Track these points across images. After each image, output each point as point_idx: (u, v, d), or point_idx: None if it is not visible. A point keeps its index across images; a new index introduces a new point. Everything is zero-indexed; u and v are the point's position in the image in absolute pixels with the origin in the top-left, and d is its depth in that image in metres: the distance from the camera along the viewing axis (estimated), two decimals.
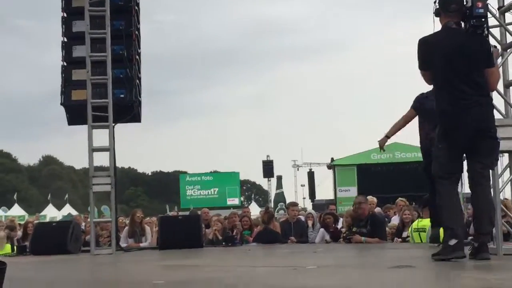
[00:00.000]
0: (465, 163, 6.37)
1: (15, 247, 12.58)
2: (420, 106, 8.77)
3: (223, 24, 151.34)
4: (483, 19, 6.31)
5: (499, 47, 7.03)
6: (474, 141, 6.17)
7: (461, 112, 6.16)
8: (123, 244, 11.67)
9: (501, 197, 7.15)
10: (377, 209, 13.85)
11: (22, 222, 18.26)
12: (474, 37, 6.33)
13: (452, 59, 6.23)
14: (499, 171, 6.89)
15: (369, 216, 10.82)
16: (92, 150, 10.48)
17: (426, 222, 9.57)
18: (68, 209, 47.66)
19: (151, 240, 12.38)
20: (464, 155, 6.32)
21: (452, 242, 6.02)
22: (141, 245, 12.15)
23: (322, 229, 12.08)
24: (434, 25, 6.54)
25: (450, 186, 6.22)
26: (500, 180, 6.87)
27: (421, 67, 6.49)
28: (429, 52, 6.40)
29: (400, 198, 13.62)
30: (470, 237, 7.26)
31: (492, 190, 6.63)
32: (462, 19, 6.38)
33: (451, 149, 6.22)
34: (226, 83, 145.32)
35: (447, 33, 6.40)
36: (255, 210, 30.86)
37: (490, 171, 6.43)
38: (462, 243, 6.07)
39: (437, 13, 6.51)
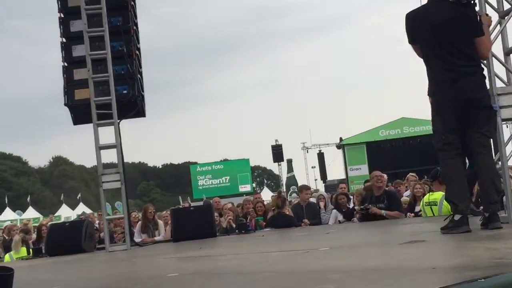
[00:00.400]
0: None
1: (30, 250, 12.65)
2: None
3: (224, 10, 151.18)
4: None
5: (494, 15, 7.00)
6: (468, 112, 6.16)
7: (451, 83, 6.16)
8: (137, 239, 11.72)
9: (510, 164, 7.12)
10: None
11: (37, 224, 18.35)
12: (461, 8, 6.30)
13: (439, 31, 6.24)
14: (505, 139, 6.87)
15: (384, 192, 10.84)
16: (99, 148, 10.52)
17: (437, 196, 9.56)
18: (82, 208, 47.94)
19: (164, 233, 12.43)
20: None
21: (457, 217, 6.04)
22: (156, 238, 12.20)
23: (334, 210, 12.10)
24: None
25: (451, 159, 6.21)
26: (507, 148, 6.85)
27: (411, 41, 6.53)
28: (417, 26, 6.44)
29: (410, 173, 13.62)
30: (481, 207, 7.25)
31: (496, 158, 6.67)
32: None
33: (446, 121, 6.21)
34: (230, 70, 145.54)
35: (433, 5, 6.42)
36: (267, 196, 30.91)
37: (491, 140, 6.43)
38: (466, 218, 6.07)
39: None
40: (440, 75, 6.27)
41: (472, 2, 6.41)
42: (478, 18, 6.42)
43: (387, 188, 12.72)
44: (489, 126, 6.32)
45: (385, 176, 14.31)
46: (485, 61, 6.75)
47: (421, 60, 6.50)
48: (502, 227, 6.06)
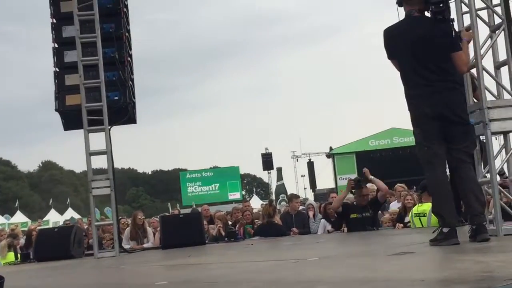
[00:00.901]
0: None
1: (18, 255, 12.60)
2: None
3: (215, 18, 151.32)
4: (441, 5, 6.33)
5: (485, 29, 7.06)
6: (444, 127, 6.21)
7: (426, 99, 6.22)
8: (125, 246, 11.69)
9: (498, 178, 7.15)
10: None
11: (25, 229, 18.28)
12: (435, 23, 6.35)
13: (415, 47, 6.30)
14: (495, 152, 6.91)
15: (368, 202, 10.88)
16: (90, 154, 10.52)
17: (426, 207, 9.58)
18: (70, 213, 47.74)
19: (153, 240, 12.41)
20: None
21: (445, 229, 6.07)
22: (144, 245, 12.18)
23: (323, 220, 12.10)
24: (398, 14, 6.61)
25: (436, 171, 6.23)
26: (496, 161, 6.89)
27: (389, 56, 6.59)
28: (394, 42, 6.51)
29: (398, 184, 13.63)
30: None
31: (485, 170, 6.73)
32: (425, 6, 6.41)
33: (426, 133, 6.25)
34: (220, 78, 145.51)
35: (409, 21, 6.47)
36: (257, 204, 30.89)
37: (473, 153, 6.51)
38: (454, 230, 6.09)
39: (399, 2, 6.57)
40: (415, 91, 6.33)
41: (448, 18, 6.46)
42: (454, 34, 6.46)
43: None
44: (467, 142, 6.35)
45: (374, 186, 14.39)
46: (475, 75, 6.82)
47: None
48: (489, 238, 6.09)
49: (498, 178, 6.93)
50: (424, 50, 6.27)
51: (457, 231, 6.13)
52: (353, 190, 10.84)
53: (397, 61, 6.54)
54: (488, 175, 6.86)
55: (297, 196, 14.66)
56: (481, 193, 6.40)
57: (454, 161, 6.27)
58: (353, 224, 10.67)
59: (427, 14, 6.45)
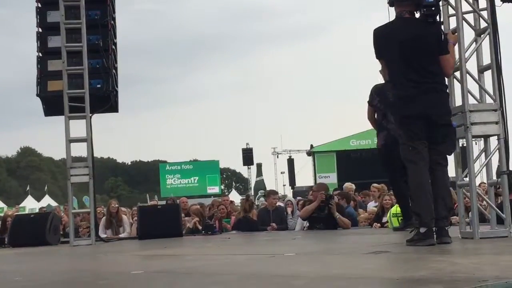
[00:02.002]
0: None
1: None
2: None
3: (200, 11, 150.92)
4: (433, 8, 6.38)
5: (471, 32, 7.09)
6: (428, 129, 6.24)
7: (412, 99, 6.24)
8: (101, 235, 11.66)
9: (477, 181, 7.21)
10: None
11: (1, 214, 18.14)
12: (426, 26, 6.40)
13: (404, 48, 6.32)
14: (475, 156, 6.95)
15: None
16: (70, 141, 10.46)
17: None
18: (47, 200, 47.51)
19: (130, 230, 12.38)
20: None
21: (422, 230, 6.10)
22: (121, 235, 12.15)
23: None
24: (389, 15, 6.63)
25: (419, 171, 6.26)
26: (475, 164, 6.93)
27: (377, 56, 6.59)
28: (383, 42, 6.50)
29: (373, 185, 13.70)
30: None
31: (464, 174, 6.79)
32: (416, 8, 6.44)
33: (409, 133, 6.28)
34: (204, 71, 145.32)
35: (399, 22, 6.49)
36: (235, 198, 30.89)
37: (448, 156, 6.54)
38: (431, 231, 6.13)
39: (390, 3, 6.59)
40: (402, 91, 6.34)
41: (438, 20, 6.50)
42: (443, 37, 6.50)
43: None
44: (446, 144, 6.41)
45: (353, 186, 14.48)
46: (458, 78, 6.85)
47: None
48: (450, 242, 6.16)
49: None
50: (414, 51, 6.29)
51: (433, 231, 6.16)
52: (321, 204, 10.80)
53: (385, 61, 6.56)
54: (466, 179, 6.91)
55: (275, 192, 14.70)
56: (449, 198, 6.53)
57: (432, 162, 6.31)
58: (312, 222, 10.86)
59: (417, 15, 6.48)
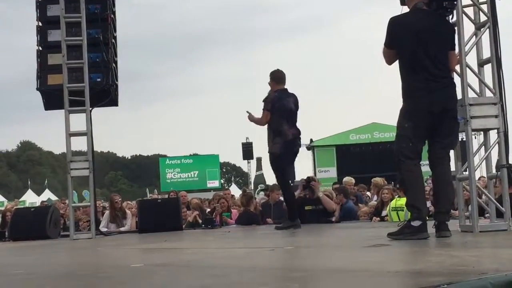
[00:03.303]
0: None
1: None
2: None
3: (201, 5, 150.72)
4: (455, 2, 6.39)
5: (471, 26, 7.11)
6: (438, 122, 6.25)
7: (428, 92, 6.22)
8: (103, 229, 11.68)
9: (477, 175, 7.23)
10: None
11: (2, 208, 18.15)
12: (443, 19, 6.42)
13: (424, 40, 6.28)
14: (475, 149, 6.96)
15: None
16: (70, 135, 10.46)
17: (404, 201, 9.62)
18: (47, 195, 47.55)
19: (130, 224, 12.41)
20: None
21: (417, 223, 6.11)
22: (121, 229, 12.18)
23: None
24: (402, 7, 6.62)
25: (416, 166, 6.28)
26: (475, 158, 6.94)
27: (389, 45, 6.51)
28: (400, 32, 6.43)
29: (374, 178, 13.74)
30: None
31: (464, 167, 6.81)
32: (430, 1, 6.43)
33: (417, 128, 6.27)
34: (205, 65, 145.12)
35: (418, 13, 6.45)
36: (235, 193, 30.90)
37: (452, 151, 6.62)
38: (426, 225, 6.16)
39: (402, 1, 6.57)
40: (418, 83, 6.29)
41: (448, 13, 6.51)
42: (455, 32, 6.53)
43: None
44: (452, 137, 6.45)
45: (352, 180, 14.52)
46: (458, 72, 6.85)
47: (393, 66, 6.55)
48: (450, 235, 6.18)
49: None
50: (431, 43, 6.28)
51: (427, 225, 6.19)
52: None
53: (395, 52, 6.48)
54: (466, 173, 6.92)
55: (278, 188, 14.70)
56: (452, 193, 6.59)
57: (436, 155, 6.32)
58: (308, 216, 10.85)
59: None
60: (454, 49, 6.49)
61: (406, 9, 6.57)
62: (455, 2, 6.44)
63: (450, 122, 6.35)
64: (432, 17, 6.43)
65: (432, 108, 6.20)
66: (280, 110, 9.65)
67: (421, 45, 6.28)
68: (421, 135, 6.28)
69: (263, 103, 9.76)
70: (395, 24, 6.47)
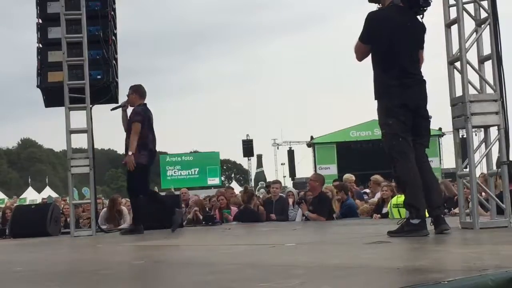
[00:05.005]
0: None
1: None
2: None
3: (201, 1, 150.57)
4: (430, 1, 6.43)
5: (471, 22, 7.11)
6: (414, 120, 6.29)
7: (406, 88, 6.26)
8: (102, 226, 11.67)
9: (478, 171, 7.23)
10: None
11: (2, 205, 18.17)
12: (416, 18, 6.49)
13: (400, 36, 6.33)
14: (475, 146, 6.96)
15: (318, 195, 11.23)
16: (70, 132, 10.46)
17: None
18: (48, 192, 47.51)
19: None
20: None
21: (416, 221, 6.10)
22: (122, 226, 12.16)
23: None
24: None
25: (410, 162, 6.26)
26: (475, 155, 6.94)
27: (364, 40, 6.49)
28: (378, 27, 6.44)
29: (373, 176, 13.73)
30: None
31: (464, 164, 6.87)
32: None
33: (401, 123, 6.27)
34: (205, 62, 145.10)
35: (396, 10, 6.46)
36: (235, 190, 30.91)
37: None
38: (425, 222, 6.16)
39: None
40: (393, 80, 6.30)
41: (420, 12, 6.52)
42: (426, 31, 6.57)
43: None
44: (428, 136, 6.56)
45: (352, 177, 14.51)
46: (459, 68, 6.85)
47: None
48: (449, 228, 6.21)
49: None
50: (407, 40, 6.33)
51: (426, 222, 6.19)
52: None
53: (370, 48, 6.47)
54: (466, 169, 6.92)
55: (276, 181, 14.72)
56: (439, 187, 6.78)
57: (418, 154, 6.35)
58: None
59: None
60: (423, 48, 6.54)
61: (374, 6, 6.61)
62: (430, 2, 6.45)
63: (426, 122, 6.47)
64: (408, 14, 6.47)
65: (408, 104, 6.24)
66: (147, 123, 10.04)
67: (397, 41, 6.30)
68: (406, 129, 6.29)
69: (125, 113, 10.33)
70: (373, 19, 6.49)
